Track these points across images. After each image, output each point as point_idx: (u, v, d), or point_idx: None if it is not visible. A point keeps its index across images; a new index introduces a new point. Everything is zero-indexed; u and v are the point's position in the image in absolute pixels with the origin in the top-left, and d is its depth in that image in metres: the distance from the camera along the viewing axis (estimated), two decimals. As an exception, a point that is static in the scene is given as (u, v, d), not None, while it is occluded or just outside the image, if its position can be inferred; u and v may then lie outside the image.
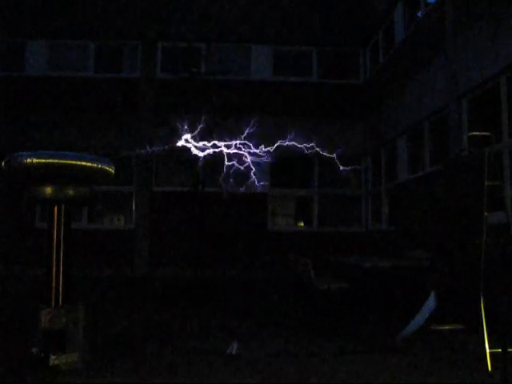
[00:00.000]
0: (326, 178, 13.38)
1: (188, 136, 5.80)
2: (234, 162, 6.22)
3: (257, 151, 6.91)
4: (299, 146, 13.57)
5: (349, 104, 13.33)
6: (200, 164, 8.85)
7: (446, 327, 5.22)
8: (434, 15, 9.30)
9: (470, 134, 5.18)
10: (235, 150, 6.26)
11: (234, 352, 4.56)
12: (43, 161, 4.03)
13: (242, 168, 6.15)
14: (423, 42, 9.74)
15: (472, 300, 4.43)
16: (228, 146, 6.15)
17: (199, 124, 7.01)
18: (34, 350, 4.04)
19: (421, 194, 9.56)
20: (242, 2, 13.45)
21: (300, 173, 13.61)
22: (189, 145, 5.76)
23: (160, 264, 12.08)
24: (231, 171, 6.64)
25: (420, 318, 5.18)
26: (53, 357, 3.98)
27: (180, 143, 5.65)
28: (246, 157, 6.24)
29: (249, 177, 6.71)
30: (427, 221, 8.30)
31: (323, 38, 13.58)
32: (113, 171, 4.48)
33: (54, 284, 4.26)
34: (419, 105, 9.92)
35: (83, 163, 4.16)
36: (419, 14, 10.48)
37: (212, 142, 5.98)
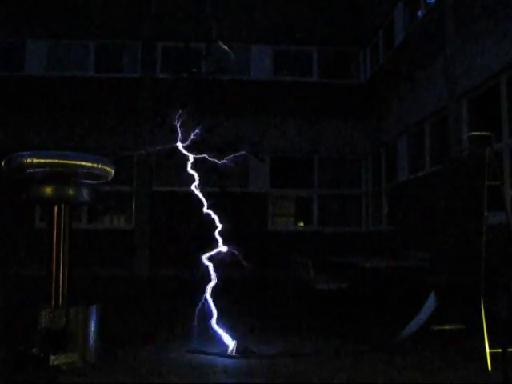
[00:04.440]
0: (326, 178, 13.39)
1: (188, 135, 5.80)
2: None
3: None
4: (299, 145, 13.63)
5: (349, 104, 13.32)
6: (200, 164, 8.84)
7: (446, 327, 5.22)
8: (434, 15, 9.30)
9: (470, 134, 5.17)
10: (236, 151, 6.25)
11: (234, 352, 4.56)
12: (43, 161, 4.04)
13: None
14: (423, 42, 9.74)
15: (472, 300, 4.43)
16: (229, 144, 6.15)
17: (199, 124, 7.00)
18: (34, 350, 4.04)
19: (421, 194, 9.56)
20: (241, 1, 13.45)
21: (300, 173, 13.61)
22: (188, 144, 5.76)
23: (160, 264, 12.07)
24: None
25: (420, 318, 5.18)
26: (53, 357, 3.98)
27: (179, 143, 5.64)
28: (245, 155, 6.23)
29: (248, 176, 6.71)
30: (427, 221, 8.30)
31: (323, 38, 13.58)
32: (113, 171, 4.48)
33: (54, 284, 4.26)
34: (419, 105, 9.92)
35: (83, 163, 4.16)
36: (419, 14, 10.48)
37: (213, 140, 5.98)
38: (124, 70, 13.69)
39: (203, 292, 9.08)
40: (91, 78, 13.11)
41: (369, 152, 13.19)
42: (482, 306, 4.22)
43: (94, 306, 4.41)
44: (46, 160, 4.05)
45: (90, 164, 4.19)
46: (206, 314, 6.74)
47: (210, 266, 5.13)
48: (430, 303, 5.21)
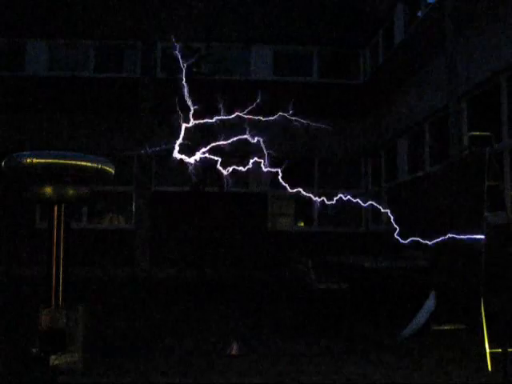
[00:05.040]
0: (326, 178, 13.38)
1: (188, 135, 5.79)
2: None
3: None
4: (299, 145, 13.62)
5: (349, 104, 13.32)
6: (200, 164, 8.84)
7: (446, 327, 5.22)
8: (434, 15, 9.30)
9: (470, 133, 5.17)
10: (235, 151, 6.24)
11: (233, 352, 4.56)
12: (43, 161, 4.03)
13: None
14: (423, 42, 9.74)
15: (472, 300, 4.43)
16: (228, 145, 6.13)
17: (199, 124, 6.99)
18: (34, 350, 4.03)
19: (421, 194, 9.55)
20: (242, 1, 13.44)
21: (300, 172, 13.60)
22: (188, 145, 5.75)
23: (160, 264, 12.07)
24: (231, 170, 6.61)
25: (420, 318, 5.18)
26: (53, 357, 3.98)
27: (179, 143, 5.64)
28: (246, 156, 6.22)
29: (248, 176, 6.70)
30: (427, 221, 8.30)
31: (323, 38, 13.58)
32: (113, 171, 4.47)
33: (54, 284, 4.26)
34: (419, 105, 9.92)
35: (83, 163, 4.15)
36: (419, 14, 10.48)
37: (212, 141, 5.97)
38: (124, 70, 13.69)
39: (203, 292, 9.10)
40: (91, 78, 13.11)
41: (369, 152, 13.18)
42: (482, 306, 4.22)
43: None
44: (46, 160, 4.04)
45: (89, 164, 4.19)
46: (205, 314, 6.75)
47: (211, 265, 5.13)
48: (430, 303, 5.21)
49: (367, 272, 6.99)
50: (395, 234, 10.44)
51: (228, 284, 10.49)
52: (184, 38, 12.63)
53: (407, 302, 5.75)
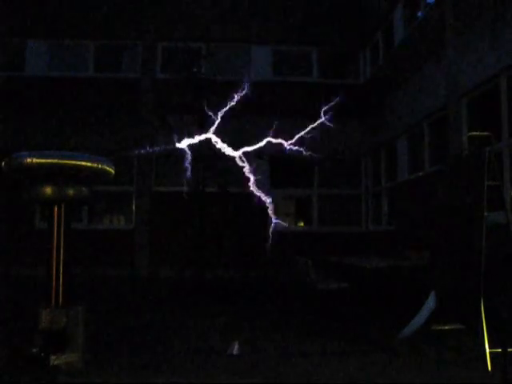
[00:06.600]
0: (326, 178, 13.38)
1: (187, 136, 5.80)
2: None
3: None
4: (299, 145, 13.53)
5: (348, 104, 13.29)
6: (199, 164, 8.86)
7: (446, 327, 5.22)
8: (434, 15, 9.30)
9: (470, 134, 5.18)
10: (236, 152, 6.25)
11: (234, 352, 4.56)
12: (43, 161, 4.03)
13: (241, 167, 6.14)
14: (423, 42, 9.74)
15: (472, 300, 4.43)
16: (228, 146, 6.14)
17: (199, 124, 7.00)
18: (34, 350, 4.03)
19: (421, 194, 9.55)
20: (241, 1, 13.44)
21: (300, 173, 13.61)
22: (188, 145, 5.76)
23: (160, 264, 12.07)
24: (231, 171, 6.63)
25: (420, 318, 5.18)
26: (53, 357, 3.98)
27: (179, 143, 5.64)
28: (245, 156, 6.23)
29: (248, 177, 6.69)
30: (427, 221, 8.31)
31: (323, 38, 13.57)
32: (113, 171, 4.47)
33: (54, 284, 4.26)
34: (419, 105, 9.92)
35: (83, 163, 4.16)
36: (419, 14, 10.48)
37: (212, 142, 5.98)
38: (124, 70, 13.69)
39: (203, 292, 9.09)
40: (91, 78, 13.11)
41: (369, 152, 13.18)
42: (482, 306, 4.22)
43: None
44: (46, 160, 4.05)
45: (89, 164, 4.19)
46: (205, 314, 6.75)
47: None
48: (430, 303, 5.21)
49: (367, 272, 7.00)
50: (395, 234, 10.51)
51: (228, 284, 10.48)
52: (184, 38, 12.68)
53: (407, 302, 5.75)
